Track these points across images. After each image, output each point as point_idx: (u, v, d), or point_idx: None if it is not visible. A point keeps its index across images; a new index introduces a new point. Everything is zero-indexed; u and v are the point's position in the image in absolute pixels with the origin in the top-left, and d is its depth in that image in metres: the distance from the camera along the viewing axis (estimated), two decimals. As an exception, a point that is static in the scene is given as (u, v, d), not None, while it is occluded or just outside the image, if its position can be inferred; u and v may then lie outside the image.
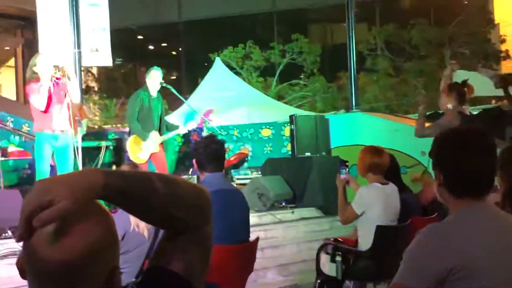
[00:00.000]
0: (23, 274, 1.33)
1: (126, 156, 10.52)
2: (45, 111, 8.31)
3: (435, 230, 2.50)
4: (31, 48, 23.32)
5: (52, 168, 8.84)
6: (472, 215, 2.50)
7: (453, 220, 2.53)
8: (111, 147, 11.12)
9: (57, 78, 8.33)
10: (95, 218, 1.33)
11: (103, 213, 1.36)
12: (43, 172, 8.44)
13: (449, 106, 7.48)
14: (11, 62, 27.99)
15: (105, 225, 1.34)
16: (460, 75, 13.78)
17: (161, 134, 10.11)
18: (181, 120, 13.00)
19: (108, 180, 1.32)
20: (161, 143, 10.13)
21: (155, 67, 10.30)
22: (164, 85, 10.16)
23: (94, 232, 1.31)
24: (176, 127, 10.32)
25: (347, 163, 6.10)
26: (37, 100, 8.26)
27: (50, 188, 1.25)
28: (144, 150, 9.93)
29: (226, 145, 5.62)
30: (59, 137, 8.45)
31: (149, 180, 1.40)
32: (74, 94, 8.43)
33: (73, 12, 12.25)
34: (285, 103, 21.29)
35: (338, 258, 5.77)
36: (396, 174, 6.32)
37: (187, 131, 10.41)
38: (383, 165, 5.81)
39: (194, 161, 5.20)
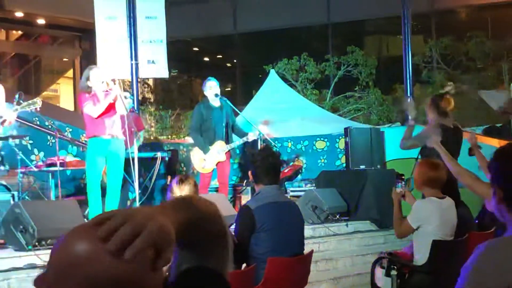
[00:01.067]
0: None
1: (192, 166, 10.65)
2: (97, 117, 8.42)
3: (493, 246, 2.46)
4: (88, 59, 23.67)
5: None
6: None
7: (512, 236, 2.49)
8: (166, 158, 11.22)
9: (110, 89, 8.45)
10: None
11: None
12: (93, 178, 8.52)
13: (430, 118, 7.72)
14: (69, 73, 28.44)
15: None
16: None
17: (228, 142, 10.16)
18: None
19: (182, 213, 1.39)
20: (228, 151, 10.17)
21: (210, 77, 10.38)
22: (219, 96, 10.23)
23: None
24: (245, 134, 10.32)
25: (402, 177, 6.07)
26: (93, 107, 8.38)
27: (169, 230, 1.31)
28: (208, 161, 10.01)
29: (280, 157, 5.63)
30: (111, 142, 8.55)
31: (191, 205, 1.44)
32: (122, 107, 8.55)
33: (131, 24, 12.42)
34: (340, 115, 21.20)
35: (393, 272, 5.72)
36: (453, 189, 6.24)
37: (255, 138, 10.37)
38: (440, 179, 5.74)
39: (250, 172, 5.23)
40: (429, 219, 5.65)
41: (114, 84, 8.43)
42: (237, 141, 10.33)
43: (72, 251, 1.28)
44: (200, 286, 1.49)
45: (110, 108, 8.47)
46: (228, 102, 10.40)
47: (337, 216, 10.61)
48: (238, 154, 12.74)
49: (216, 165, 10.08)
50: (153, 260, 1.28)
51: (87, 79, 8.51)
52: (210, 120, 10.11)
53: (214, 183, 10.84)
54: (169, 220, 1.32)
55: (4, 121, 7.61)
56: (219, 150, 10.01)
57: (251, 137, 10.20)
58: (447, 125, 7.68)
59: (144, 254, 1.26)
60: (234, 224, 5.24)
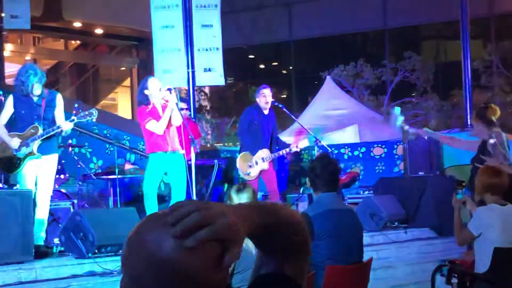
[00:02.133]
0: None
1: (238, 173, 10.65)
2: (163, 135, 8.47)
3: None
4: (145, 68, 23.97)
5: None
6: None
7: None
8: (223, 166, 11.25)
9: (166, 101, 8.50)
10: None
11: None
12: (151, 191, 8.54)
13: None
14: (127, 82, 28.79)
15: None
16: None
17: (271, 152, 10.16)
18: (292, 138, 13.03)
19: (259, 217, 1.39)
20: (272, 161, 10.16)
21: (264, 84, 10.39)
22: (276, 103, 10.23)
23: None
24: (287, 145, 10.32)
25: (463, 183, 5.96)
26: (156, 124, 8.42)
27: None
28: (254, 167, 9.99)
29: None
30: (172, 156, 8.57)
31: (272, 211, 1.44)
32: (178, 117, 8.57)
33: (187, 32, 12.50)
34: (397, 121, 20.98)
35: (454, 281, 5.62)
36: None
37: (298, 150, 10.37)
38: (502, 186, 5.63)
39: (308, 180, 5.20)
40: (490, 226, 5.55)
41: (170, 93, 8.47)
42: (280, 151, 10.30)
43: (140, 234, 1.31)
44: None
45: (169, 121, 8.52)
46: (284, 108, 10.40)
47: (396, 224, 10.50)
48: (286, 163, 12.73)
49: (260, 173, 10.06)
50: (219, 257, 1.29)
51: (146, 88, 8.55)
52: (260, 125, 10.11)
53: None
54: (242, 221, 1.33)
55: (61, 131, 7.73)
56: (264, 158, 9.99)
57: (293, 148, 10.19)
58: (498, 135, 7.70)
59: (208, 248, 1.27)
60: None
